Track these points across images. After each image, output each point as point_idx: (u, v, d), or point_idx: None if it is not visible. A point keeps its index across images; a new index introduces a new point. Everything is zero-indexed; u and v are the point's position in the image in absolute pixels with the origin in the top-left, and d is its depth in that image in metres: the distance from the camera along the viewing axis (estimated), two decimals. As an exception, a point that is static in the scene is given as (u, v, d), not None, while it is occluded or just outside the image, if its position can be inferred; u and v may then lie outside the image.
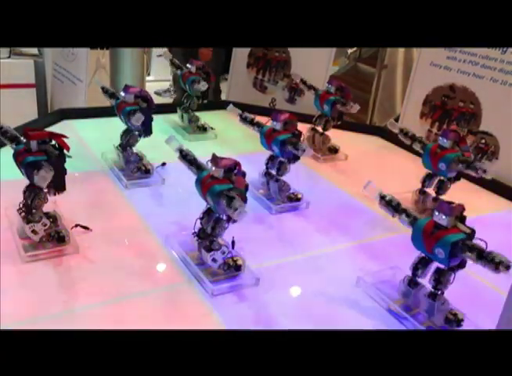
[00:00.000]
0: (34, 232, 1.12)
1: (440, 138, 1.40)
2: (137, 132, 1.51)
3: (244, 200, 1.06)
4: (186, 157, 1.17)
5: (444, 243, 0.96)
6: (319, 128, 1.91)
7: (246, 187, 1.08)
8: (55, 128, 1.87)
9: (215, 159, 1.08)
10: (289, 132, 1.43)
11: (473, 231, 0.97)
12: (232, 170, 1.08)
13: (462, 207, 0.99)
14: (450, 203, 0.99)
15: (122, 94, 1.48)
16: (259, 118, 1.50)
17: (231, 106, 1.57)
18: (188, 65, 1.92)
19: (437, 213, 0.99)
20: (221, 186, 1.06)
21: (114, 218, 1.34)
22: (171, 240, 1.23)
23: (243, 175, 1.10)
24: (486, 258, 0.91)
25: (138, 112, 1.41)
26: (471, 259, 0.94)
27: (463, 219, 0.99)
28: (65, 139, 1.10)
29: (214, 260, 1.11)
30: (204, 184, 1.09)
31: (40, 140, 1.08)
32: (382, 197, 1.10)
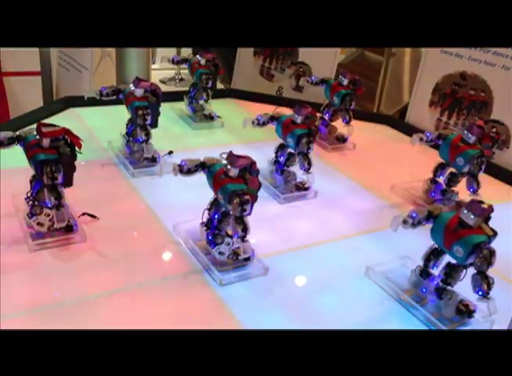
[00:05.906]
0: (39, 224, 1.11)
1: (465, 132, 1.38)
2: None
3: (255, 198, 1.05)
4: (188, 172, 1.10)
5: (466, 242, 0.94)
6: (325, 117, 1.89)
7: (259, 187, 1.07)
8: (60, 116, 1.86)
9: (232, 157, 1.06)
10: (306, 127, 1.42)
11: (495, 233, 0.95)
12: (247, 169, 1.06)
13: (491, 209, 0.96)
14: (481, 202, 0.96)
15: (132, 87, 1.47)
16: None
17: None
18: (198, 57, 1.89)
19: (465, 211, 0.95)
20: (235, 185, 1.04)
21: (121, 207, 1.33)
22: (179, 229, 1.22)
23: (257, 174, 1.08)
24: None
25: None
26: (477, 266, 0.95)
27: (487, 220, 0.97)
28: (72, 129, 1.09)
29: (220, 253, 1.10)
30: (217, 180, 1.07)
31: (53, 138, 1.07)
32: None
